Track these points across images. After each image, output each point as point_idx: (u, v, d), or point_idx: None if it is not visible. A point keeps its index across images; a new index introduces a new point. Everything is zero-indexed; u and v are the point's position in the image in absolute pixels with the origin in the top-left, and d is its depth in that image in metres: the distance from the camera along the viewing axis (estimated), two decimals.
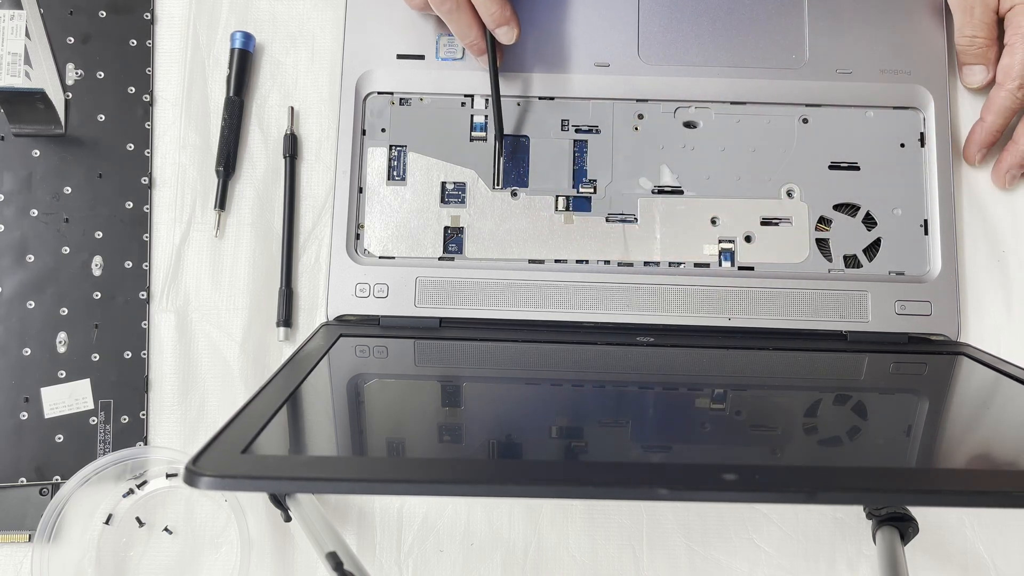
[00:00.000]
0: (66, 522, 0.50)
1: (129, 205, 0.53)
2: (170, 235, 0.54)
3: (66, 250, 0.52)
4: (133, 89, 0.55)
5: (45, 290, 0.52)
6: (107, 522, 0.50)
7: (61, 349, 0.51)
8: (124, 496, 0.50)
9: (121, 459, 0.50)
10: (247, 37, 0.55)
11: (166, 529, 0.50)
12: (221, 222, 0.54)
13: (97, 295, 0.52)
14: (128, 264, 0.53)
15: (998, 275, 0.54)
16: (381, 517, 0.51)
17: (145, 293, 0.53)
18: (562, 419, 0.43)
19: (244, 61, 0.55)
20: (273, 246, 0.54)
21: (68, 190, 0.53)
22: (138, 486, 0.50)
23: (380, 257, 0.52)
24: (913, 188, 0.53)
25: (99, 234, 0.53)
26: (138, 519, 0.50)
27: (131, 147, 0.54)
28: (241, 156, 0.55)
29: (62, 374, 0.51)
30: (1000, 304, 0.53)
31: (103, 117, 0.54)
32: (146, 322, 0.52)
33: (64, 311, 0.52)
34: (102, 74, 0.55)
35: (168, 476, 0.51)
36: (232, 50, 0.55)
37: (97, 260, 0.52)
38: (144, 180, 0.54)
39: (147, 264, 0.53)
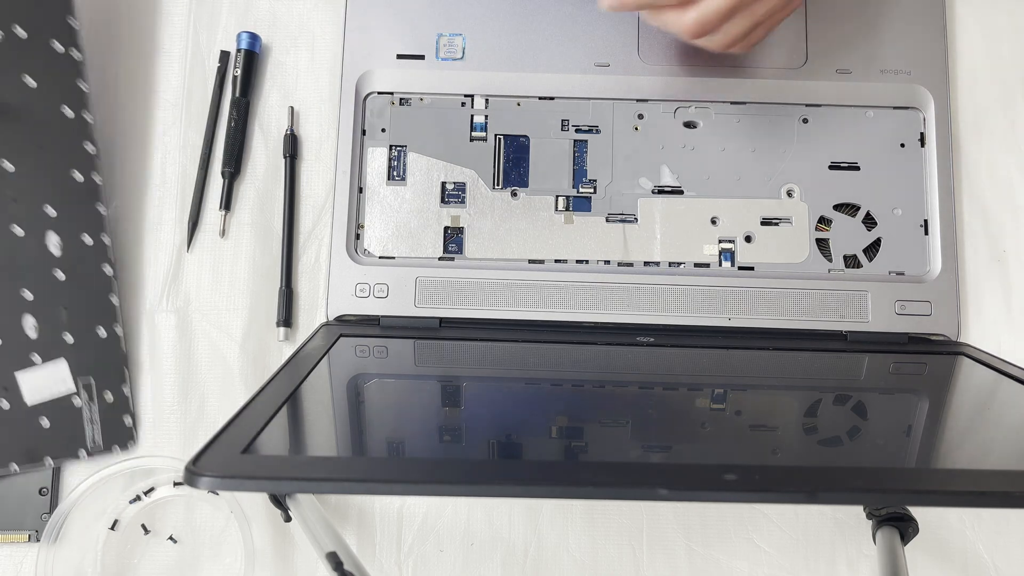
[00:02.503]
0: (71, 527, 0.50)
1: (77, 176, 0.50)
2: (171, 235, 0.54)
3: (19, 231, 0.49)
4: (59, 46, 0.50)
5: (2, 275, 0.49)
6: (112, 528, 0.50)
7: (32, 334, 0.50)
8: (131, 502, 0.50)
9: (129, 467, 0.50)
10: (253, 37, 0.55)
11: (171, 538, 0.50)
12: (224, 223, 0.54)
13: (60, 275, 0.50)
14: (86, 238, 0.51)
15: (998, 275, 0.54)
16: (381, 517, 0.51)
17: (109, 267, 0.51)
18: (562, 419, 0.43)
19: (250, 62, 0.55)
20: (273, 246, 0.54)
21: (9, 167, 0.49)
22: (145, 493, 0.50)
23: (380, 257, 0.52)
24: (913, 188, 0.53)
25: (50, 210, 0.50)
26: (143, 526, 0.50)
27: (68, 112, 0.50)
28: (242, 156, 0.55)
29: (37, 359, 0.50)
30: (1000, 304, 0.53)
31: (32, 82, 0.50)
32: (115, 296, 0.51)
33: (28, 295, 0.49)
34: (22, 32, 0.49)
35: (175, 484, 0.51)
36: (238, 50, 0.55)
37: (53, 239, 0.50)
38: (88, 147, 0.50)
39: (107, 236, 0.51)
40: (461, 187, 0.53)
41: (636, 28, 0.54)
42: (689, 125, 0.54)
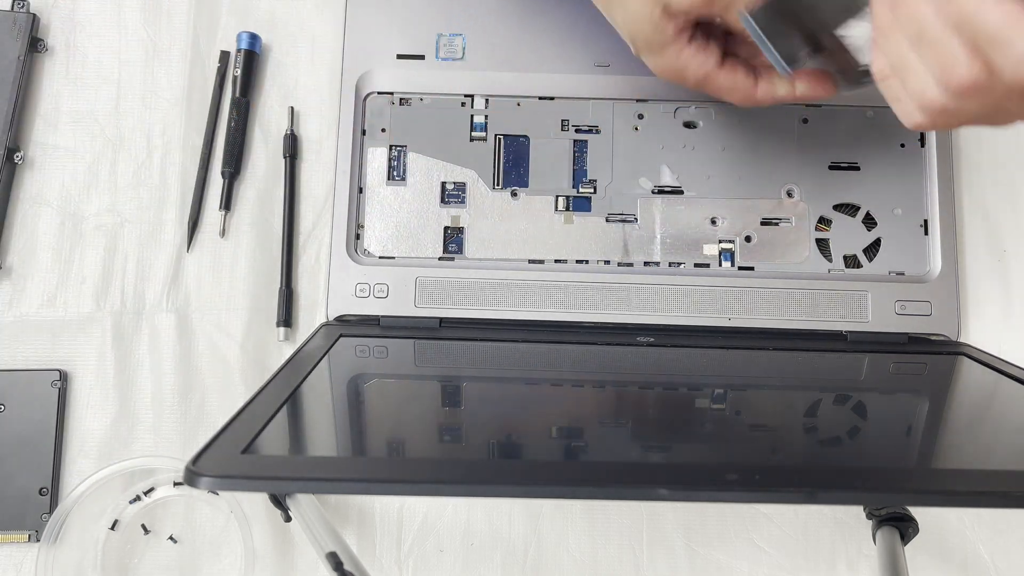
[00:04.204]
0: (71, 527, 0.50)
1: None
2: (171, 235, 0.54)
3: None
4: None
5: None
6: (112, 528, 0.50)
7: None
8: (131, 502, 0.50)
9: (129, 467, 0.50)
10: (253, 38, 0.55)
11: (171, 538, 0.50)
12: (224, 223, 0.54)
13: None
14: None
15: (998, 275, 0.54)
16: (381, 517, 0.51)
17: None
18: (562, 419, 0.43)
19: (251, 62, 0.55)
20: (273, 246, 0.54)
21: None
22: (145, 493, 0.50)
23: (380, 257, 0.52)
24: (913, 188, 0.53)
25: None
26: (143, 526, 0.50)
27: None
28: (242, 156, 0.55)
29: None
30: (1000, 304, 0.53)
31: None
32: None
33: None
34: None
35: (175, 484, 0.51)
36: (238, 51, 0.55)
37: None
38: None
39: None
40: (461, 187, 0.53)
41: None
42: (689, 125, 0.54)
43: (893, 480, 0.33)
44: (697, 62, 0.43)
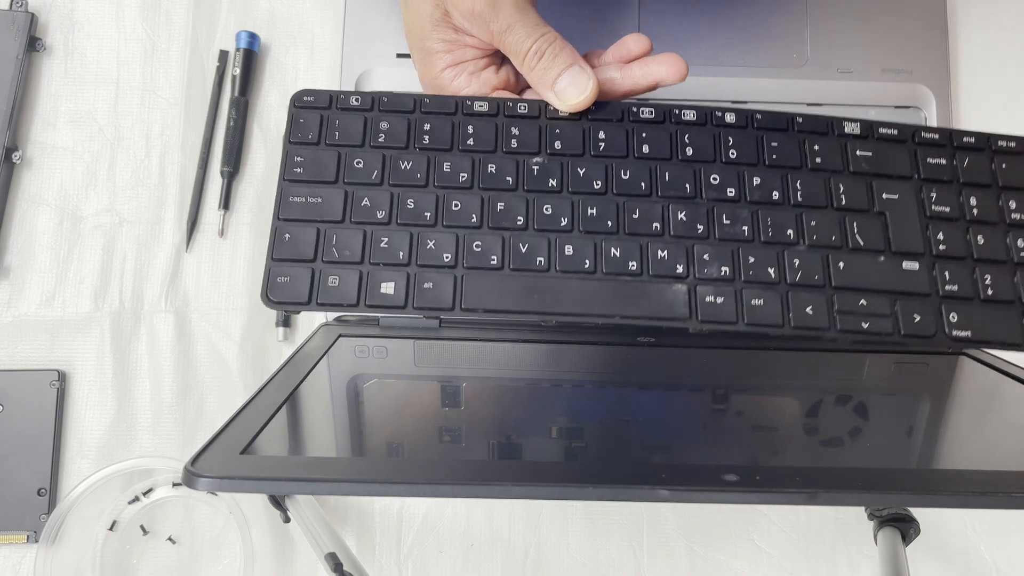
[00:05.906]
0: (70, 527, 0.50)
1: None
2: (170, 235, 0.54)
3: None
4: None
5: None
6: (111, 528, 0.50)
7: None
8: (129, 503, 0.50)
9: (128, 467, 0.50)
10: (252, 37, 0.55)
11: (170, 539, 0.50)
12: (224, 222, 0.54)
13: None
14: None
15: None
16: (381, 518, 0.51)
17: None
18: (562, 419, 0.43)
19: (250, 61, 0.55)
20: None
21: None
22: (144, 493, 0.50)
23: None
24: None
25: None
26: (142, 527, 0.50)
27: None
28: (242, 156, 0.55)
29: None
30: None
31: None
32: None
33: None
34: None
35: (174, 485, 0.51)
36: (238, 50, 0.55)
37: None
38: None
39: None
40: None
41: (636, 28, 0.54)
42: None
43: (894, 481, 0.33)
44: (455, 87, 0.43)
